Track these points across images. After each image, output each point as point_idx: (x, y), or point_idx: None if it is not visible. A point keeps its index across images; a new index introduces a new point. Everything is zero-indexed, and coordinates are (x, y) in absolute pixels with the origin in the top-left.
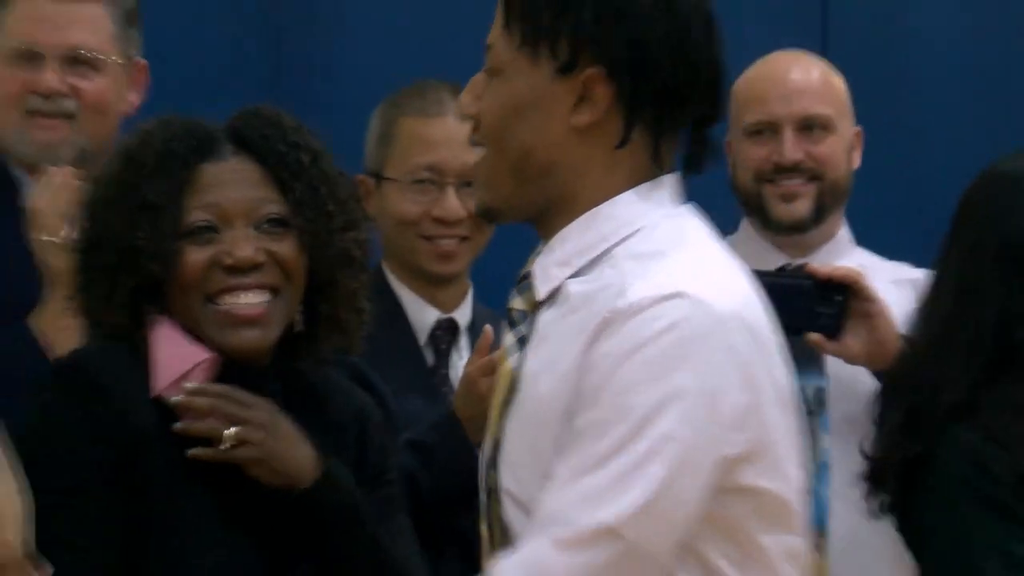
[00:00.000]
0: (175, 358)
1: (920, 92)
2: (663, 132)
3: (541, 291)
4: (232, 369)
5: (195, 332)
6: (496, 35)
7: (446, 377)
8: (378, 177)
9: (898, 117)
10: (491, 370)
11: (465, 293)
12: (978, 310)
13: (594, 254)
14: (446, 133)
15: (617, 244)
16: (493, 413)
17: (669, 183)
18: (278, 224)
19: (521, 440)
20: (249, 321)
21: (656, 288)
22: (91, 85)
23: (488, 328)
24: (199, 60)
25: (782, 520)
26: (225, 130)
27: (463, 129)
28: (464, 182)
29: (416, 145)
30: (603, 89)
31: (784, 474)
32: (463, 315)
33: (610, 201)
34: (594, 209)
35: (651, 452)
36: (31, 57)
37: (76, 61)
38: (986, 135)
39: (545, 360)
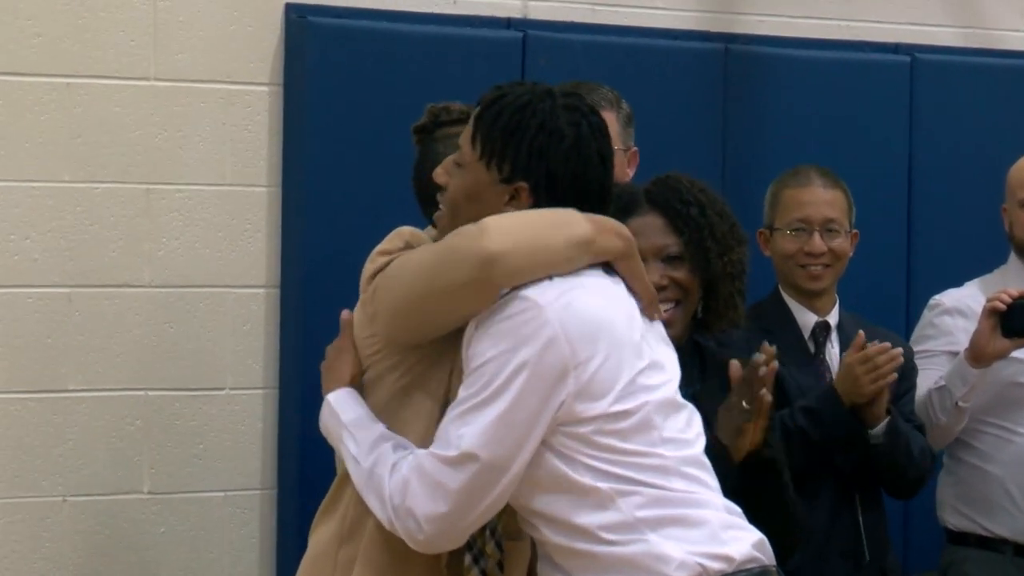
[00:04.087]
0: None
1: None
2: None
3: None
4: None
5: None
6: (466, 139)
7: (824, 361)
8: (770, 229)
9: None
10: (865, 359)
11: (834, 302)
12: None
13: None
14: (812, 197)
15: None
16: None
17: None
18: (675, 258)
19: None
20: (664, 323)
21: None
22: None
23: (861, 332)
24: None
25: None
26: (644, 192)
27: (824, 194)
28: (825, 228)
29: (792, 206)
30: (526, 196)
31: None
32: (834, 318)
33: None
34: None
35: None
36: None
37: None
38: None
39: None
